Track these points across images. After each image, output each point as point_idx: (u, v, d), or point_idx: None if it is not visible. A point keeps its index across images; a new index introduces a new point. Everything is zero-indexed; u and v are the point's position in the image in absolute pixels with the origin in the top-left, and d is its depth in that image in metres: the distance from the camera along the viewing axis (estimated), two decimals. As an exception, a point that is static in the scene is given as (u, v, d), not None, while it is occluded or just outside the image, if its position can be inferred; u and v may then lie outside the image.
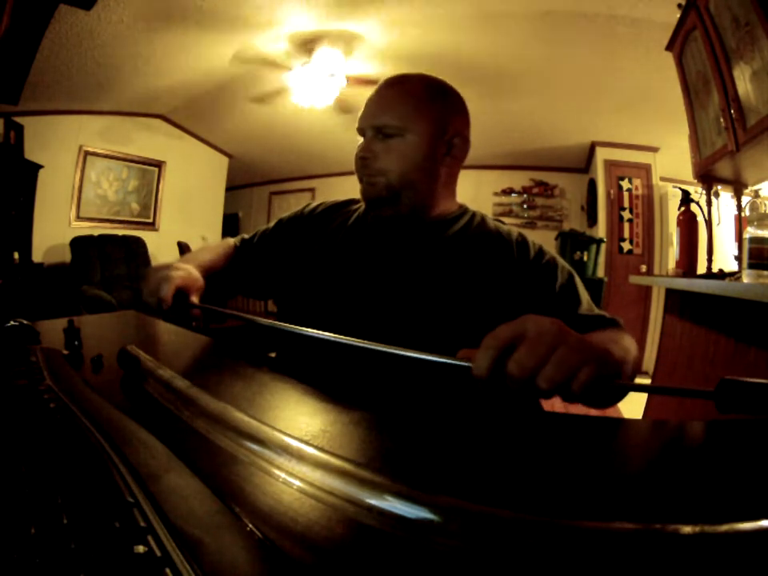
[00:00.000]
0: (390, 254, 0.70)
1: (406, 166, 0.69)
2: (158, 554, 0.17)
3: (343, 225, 0.78)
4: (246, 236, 0.88)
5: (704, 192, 2.07)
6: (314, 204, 0.85)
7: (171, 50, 2.87)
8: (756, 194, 1.85)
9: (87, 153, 3.73)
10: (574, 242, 3.57)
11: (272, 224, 0.86)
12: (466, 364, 0.37)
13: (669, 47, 2.10)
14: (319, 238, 0.77)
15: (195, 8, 2.44)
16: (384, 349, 0.41)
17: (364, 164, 0.70)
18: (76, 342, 0.51)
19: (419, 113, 0.68)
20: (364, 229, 0.75)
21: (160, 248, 4.27)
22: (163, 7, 2.43)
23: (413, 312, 0.65)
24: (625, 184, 3.80)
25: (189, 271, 0.66)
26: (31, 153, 3.19)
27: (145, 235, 4.08)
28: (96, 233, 3.67)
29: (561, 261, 0.71)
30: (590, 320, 0.65)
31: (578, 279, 0.70)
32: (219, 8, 2.49)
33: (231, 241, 0.88)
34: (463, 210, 0.76)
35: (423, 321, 0.64)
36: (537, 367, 0.35)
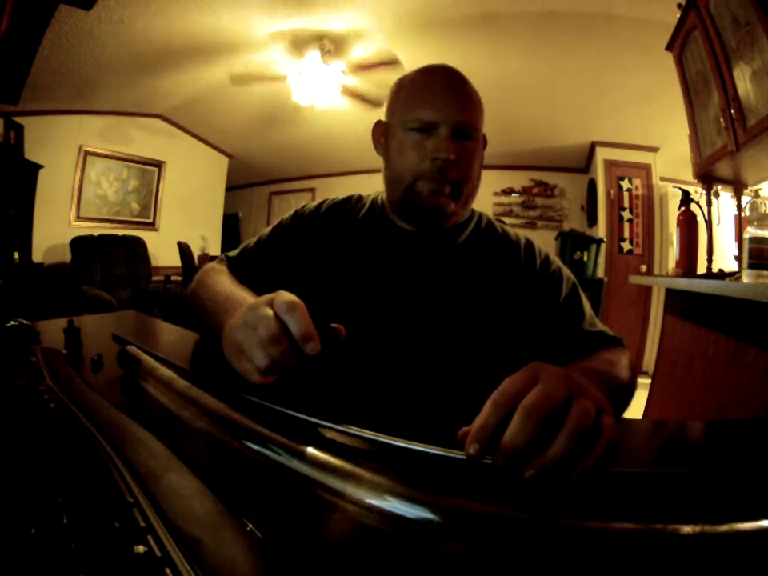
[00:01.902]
0: (404, 262, 0.67)
1: (477, 174, 0.65)
2: (158, 554, 0.17)
3: (352, 227, 0.71)
4: (231, 253, 0.76)
5: (704, 192, 2.07)
6: (316, 203, 0.77)
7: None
8: (756, 194, 1.85)
9: (87, 153, 3.73)
10: (573, 242, 3.57)
11: (267, 230, 0.76)
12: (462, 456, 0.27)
13: (669, 47, 2.10)
14: (329, 240, 0.70)
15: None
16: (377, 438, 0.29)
17: (451, 168, 0.61)
18: (76, 342, 0.51)
19: (481, 114, 0.65)
20: (374, 233, 0.70)
21: (160, 248, 4.27)
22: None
23: (428, 321, 0.64)
24: (625, 184, 3.80)
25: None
26: (31, 153, 3.19)
27: (145, 235, 4.08)
28: (96, 233, 3.67)
29: (566, 271, 0.70)
30: (592, 336, 0.64)
31: (581, 291, 0.70)
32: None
33: (214, 264, 0.73)
34: (470, 212, 0.74)
35: (439, 329, 0.63)
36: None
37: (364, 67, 2.95)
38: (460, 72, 0.66)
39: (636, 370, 0.60)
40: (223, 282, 0.61)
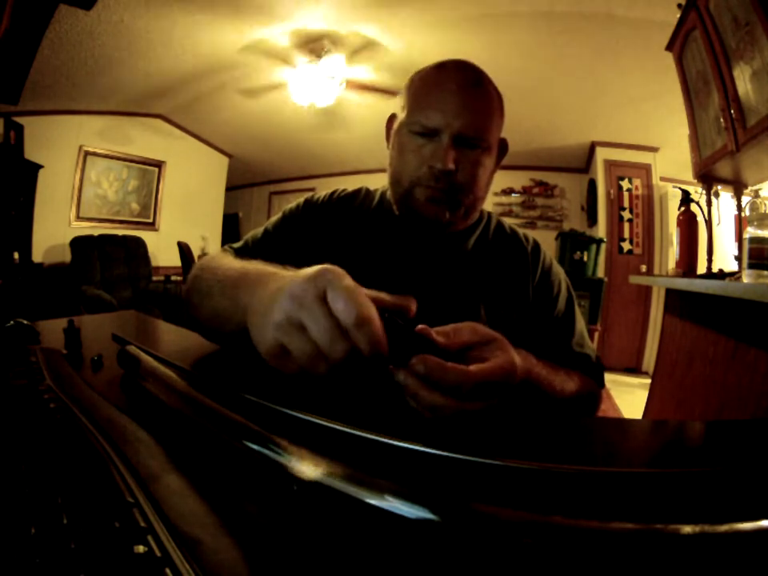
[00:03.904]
0: (413, 262, 0.65)
1: (482, 185, 0.61)
2: (158, 554, 0.17)
3: (363, 222, 0.68)
4: (235, 245, 0.71)
5: (704, 192, 2.07)
6: (327, 192, 0.74)
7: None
8: (756, 194, 1.85)
9: (87, 153, 3.74)
10: (573, 242, 3.58)
11: (276, 218, 0.73)
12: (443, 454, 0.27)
13: (669, 47, 2.10)
14: (341, 232, 0.67)
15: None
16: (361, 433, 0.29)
17: (447, 180, 0.57)
18: (76, 342, 0.51)
19: (496, 124, 0.61)
20: (385, 229, 0.67)
21: (160, 248, 4.27)
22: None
23: (435, 321, 0.63)
24: (625, 184, 3.81)
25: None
26: (31, 153, 3.19)
27: (145, 235, 4.08)
28: (96, 233, 3.67)
29: (564, 284, 0.69)
30: (574, 358, 0.64)
31: (576, 307, 0.69)
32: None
33: (216, 252, 0.69)
34: (481, 214, 0.72)
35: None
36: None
37: (362, 87, 2.96)
38: (478, 70, 0.60)
39: (587, 397, 0.58)
40: (235, 261, 0.52)
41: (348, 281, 0.32)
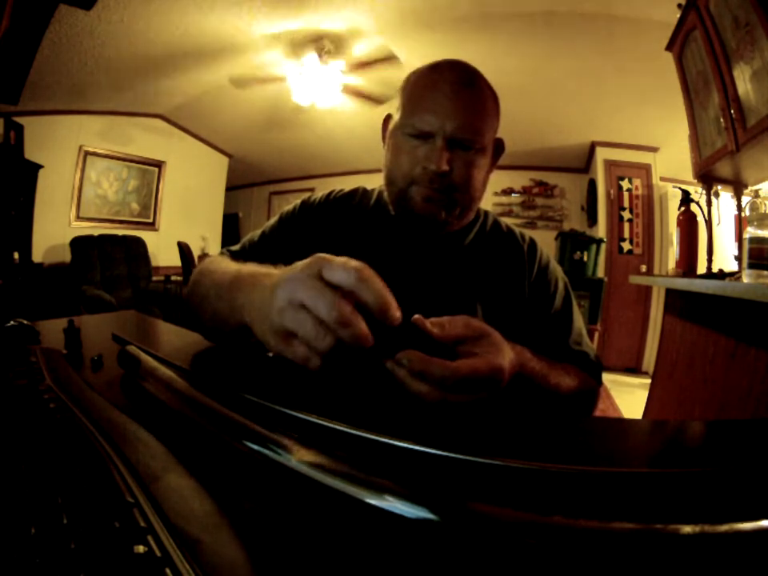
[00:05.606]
0: (411, 261, 0.65)
1: (477, 186, 0.61)
2: (158, 554, 0.17)
3: (361, 222, 0.68)
4: (234, 247, 0.72)
5: (704, 192, 2.07)
6: (323, 193, 0.74)
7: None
8: (756, 194, 1.86)
9: (87, 153, 3.74)
10: (573, 242, 3.57)
11: (273, 221, 0.73)
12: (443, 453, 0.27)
13: (669, 47, 2.10)
14: (339, 233, 0.68)
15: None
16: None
17: (441, 181, 0.58)
18: (76, 342, 0.51)
19: (491, 125, 0.61)
20: (383, 229, 0.68)
21: (160, 248, 4.27)
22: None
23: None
24: (625, 184, 3.80)
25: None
26: (31, 153, 3.19)
27: (145, 235, 4.08)
28: (96, 233, 3.67)
29: (561, 282, 0.69)
30: (572, 355, 0.64)
31: (574, 305, 0.69)
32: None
33: (215, 255, 0.70)
34: (477, 213, 0.72)
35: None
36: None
37: (363, 65, 2.94)
38: (472, 70, 0.60)
39: (585, 393, 0.58)
40: (231, 264, 0.53)
41: (340, 258, 0.34)
